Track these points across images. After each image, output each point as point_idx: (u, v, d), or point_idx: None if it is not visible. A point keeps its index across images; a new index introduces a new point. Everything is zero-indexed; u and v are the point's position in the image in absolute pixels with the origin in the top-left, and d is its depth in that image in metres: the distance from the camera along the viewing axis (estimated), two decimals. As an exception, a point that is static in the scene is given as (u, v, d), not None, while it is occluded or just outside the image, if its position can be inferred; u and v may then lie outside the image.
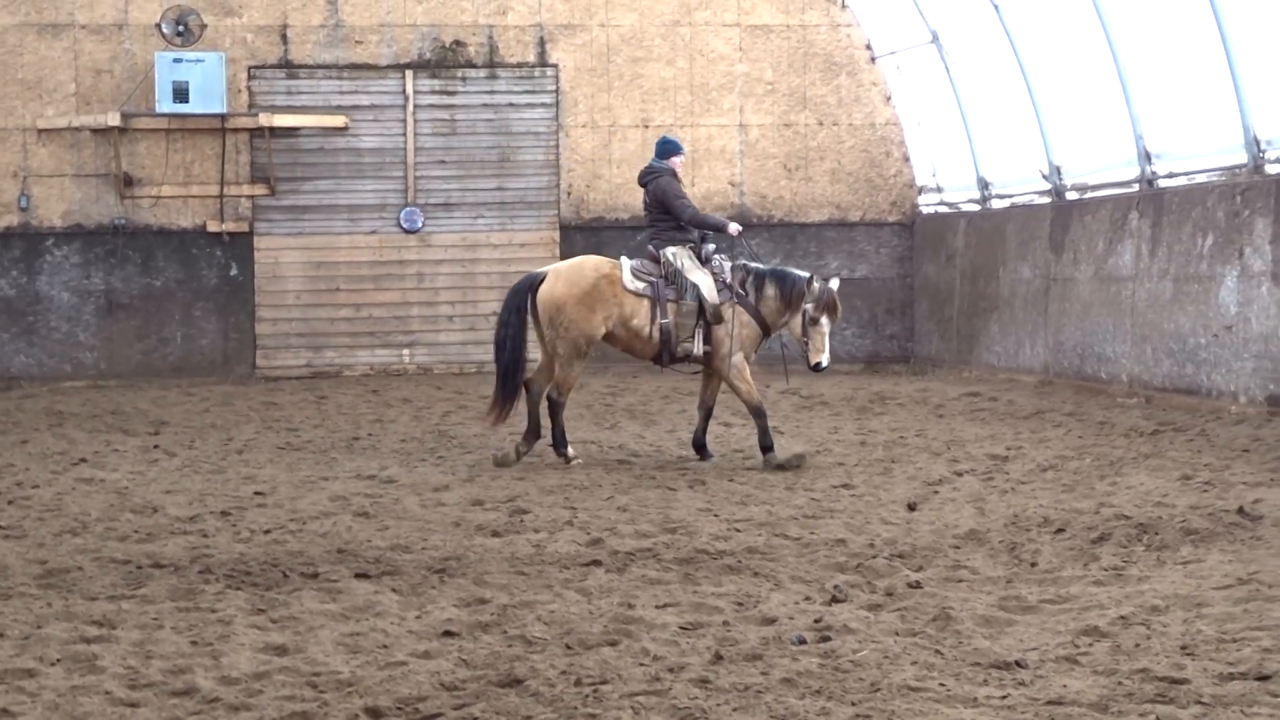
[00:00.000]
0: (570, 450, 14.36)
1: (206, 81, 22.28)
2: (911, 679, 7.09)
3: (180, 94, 22.21)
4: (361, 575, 9.52)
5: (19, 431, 17.17)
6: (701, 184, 23.83)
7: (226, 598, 8.94)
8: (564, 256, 23.43)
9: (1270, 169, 15.76)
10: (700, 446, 14.53)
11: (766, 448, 14.12)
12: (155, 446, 15.87)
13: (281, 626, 8.28)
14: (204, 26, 22.83)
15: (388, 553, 10.21)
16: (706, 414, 14.68)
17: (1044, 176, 20.22)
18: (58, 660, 7.61)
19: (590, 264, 14.63)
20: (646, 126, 23.69)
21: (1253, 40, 15.92)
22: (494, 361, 14.73)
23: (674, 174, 14.65)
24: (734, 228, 14.65)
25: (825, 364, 14.17)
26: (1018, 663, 7.31)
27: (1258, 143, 15.88)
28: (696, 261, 14.38)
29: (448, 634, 8.07)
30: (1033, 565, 9.63)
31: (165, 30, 22.70)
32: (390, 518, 11.65)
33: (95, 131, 22.66)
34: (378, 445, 15.94)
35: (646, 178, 14.70)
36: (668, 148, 14.78)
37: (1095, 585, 8.97)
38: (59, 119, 22.64)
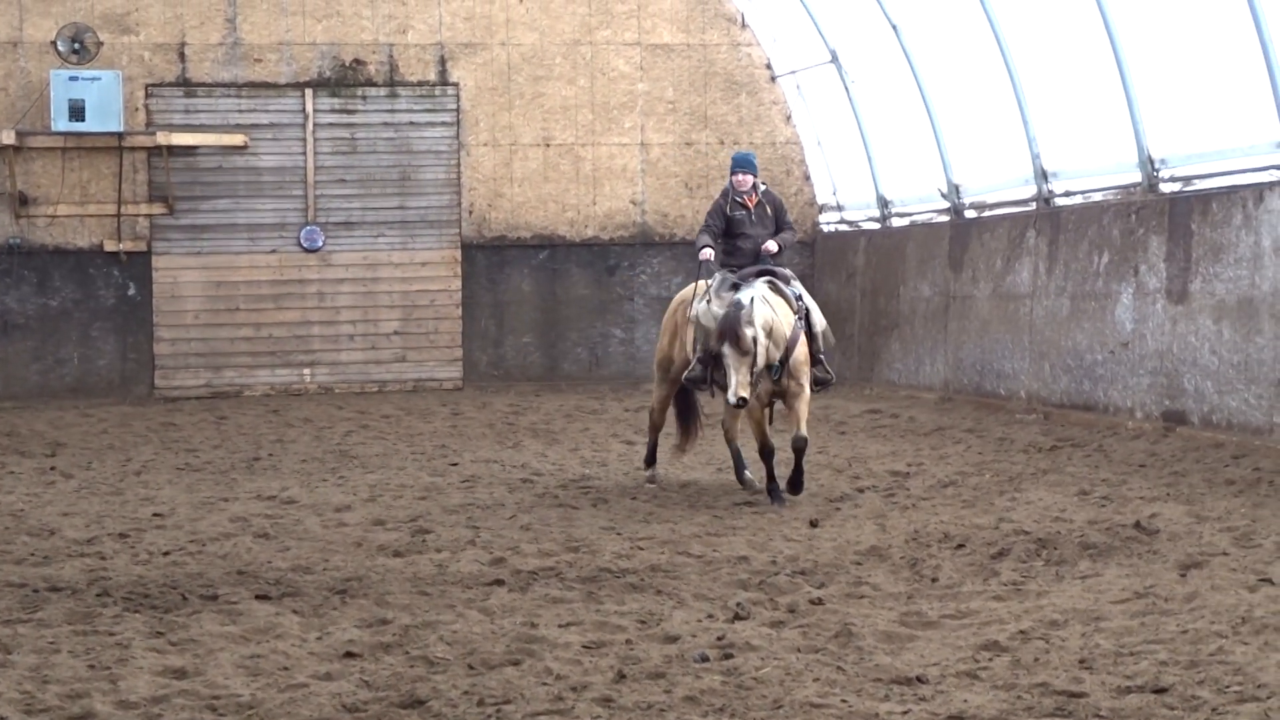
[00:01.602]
0: (655, 470, 14.29)
1: (103, 100, 22.05)
2: (814, 695, 7.12)
3: (76, 112, 21.96)
4: (262, 597, 9.45)
5: (-89, 454, 16.90)
6: (603, 202, 23.87)
7: (125, 621, 8.84)
8: (465, 276, 23.44)
9: (1164, 188, 15.99)
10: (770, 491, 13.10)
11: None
12: (52, 468, 15.67)
13: (181, 649, 8.20)
14: (100, 44, 22.60)
15: (289, 574, 10.14)
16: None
17: (943, 195, 20.40)
18: (-49, 686, 7.49)
19: (684, 291, 14.26)
20: (548, 145, 23.69)
21: (1147, 60, 16.14)
22: None
23: (722, 193, 13.88)
24: (702, 254, 13.47)
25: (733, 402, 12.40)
26: (919, 678, 7.37)
27: (1151, 162, 16.10)
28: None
29: (349, 655, 8.02)
30: (933, 581, 9.70)
31: (61, 48, 22.45)
32: (291, 539, 11.57)
33: (-10, 150, 22.37)
34: (278, 465, 15.82)
35: None
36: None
37: (995, 600, 9.05)
38: (-48, 137, 22.32)
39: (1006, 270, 18.69)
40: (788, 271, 13.41)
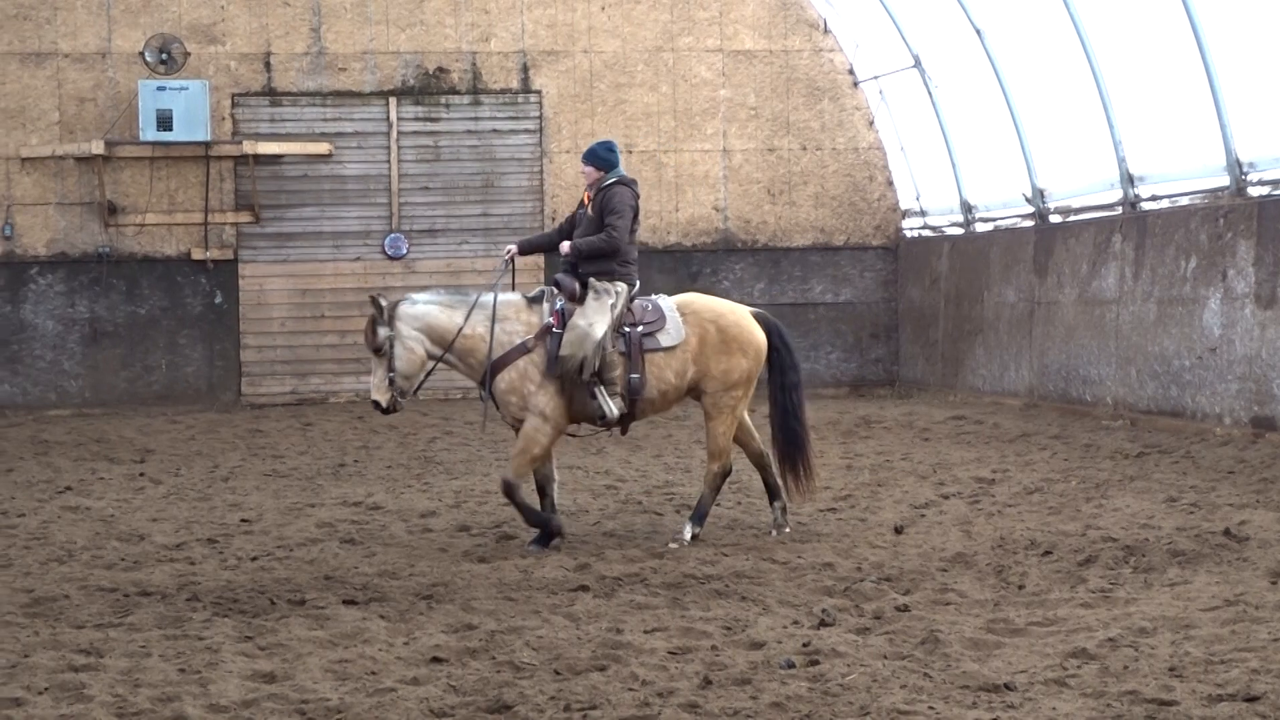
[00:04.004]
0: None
1: (190, 109, 22.29)
2: (901, 702, 7.09)
3: (164, 122, 22.21)
4: (349, 602, 9.51)
5: (4, 460, 17.13)
6: (686, 209, 23.88)
7: (214, 625, 8.93)
8: (547, 283, 23.46)
9: (1252, 191, 15.82)
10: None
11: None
12: (141, 474, 15.84)
13: (269, 654, 8.26)
14: (187, 54, 22.84)
15: (375, 579, 10.20)
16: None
17: (1027, 200, 20.27)
18: (45, 689, 7.59)
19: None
20: (630, 152, 23.72)
21: (1235, 62, 15.98)
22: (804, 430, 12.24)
23: None
24: (505, 249, 12.37)
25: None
26: (1006, 685, 7.32)
27: (1240, 165, 15.94)
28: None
29: (436, 660, 8.06)
30: (1020, 588, 9.64)
31: (149, 58, 22.70)
32: (377, 544, 11.64)
33: (79, 160, 22.66)
34: (364, 472, 15.92)
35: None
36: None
37: (1083, 607, 8.98)
38: (43, 148, 22.62)
39: (1092, 275, 18.55)
40: (604, 284, 11.54)
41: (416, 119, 23.49)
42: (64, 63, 22.72)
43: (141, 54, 22.73)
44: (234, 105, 23.12)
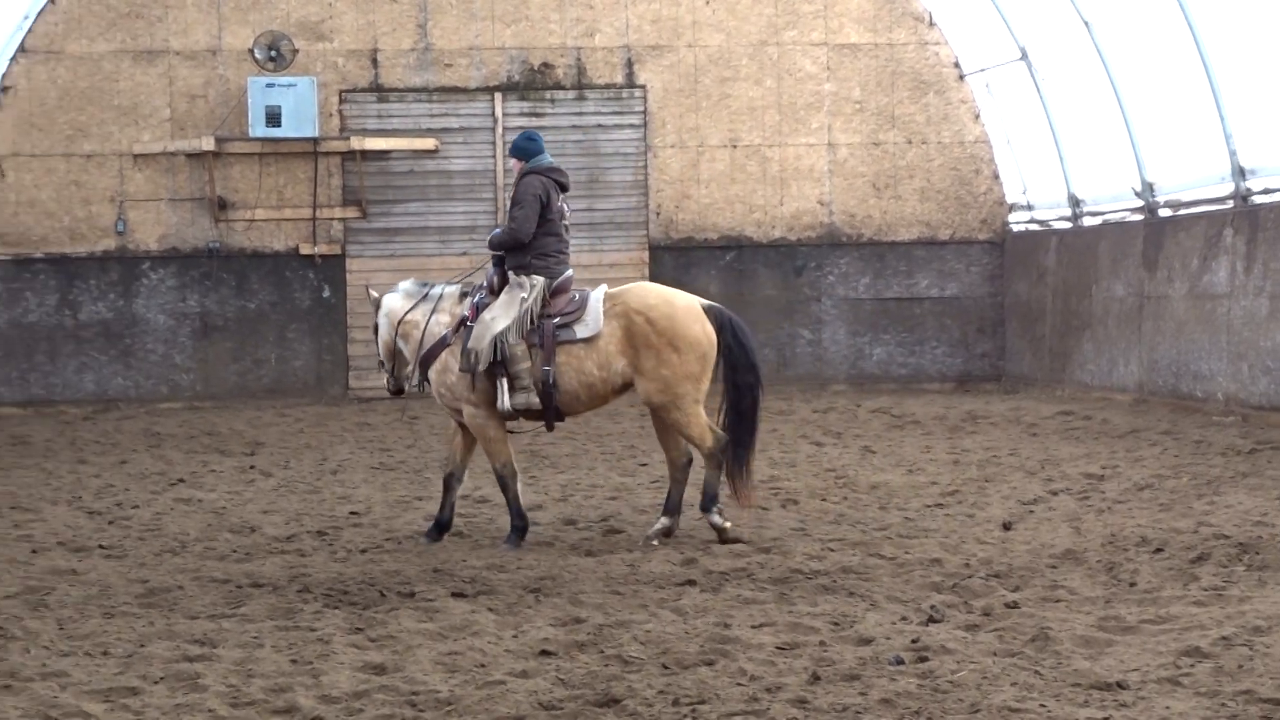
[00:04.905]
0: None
1: (299, 106, 22.51)
2: (1011, 700, 7.05)
3: (273, 118, 22.45)
4: (458, 594, 9.58)
5: (118, 452, 17.39)
6: (790, 203, 23.82)
7: (325, 617, 9.02)
8: (652, 277, 23.51)
9: (1368, 184, 15.58)
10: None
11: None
12: (251, 467, 16.03)
13: (380, 645, 8.34)
14: (296, 51, 23.06)
15: (483, 572, 10.26)
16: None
17: (1136, 193, 20.06)
18: (161, 679, 7.70)
19: None
20: (735, 146, 23.71)
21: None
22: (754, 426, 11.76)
23: None
24: None
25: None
26: (1119, 684, 7.25)
27: (1355, 158, 15.70)
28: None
29: (545, 653, 8.10)
30: (1131, 585, 9.54)
31: (258, 55, 22.94)
32: (485, 537, 11.72)
33: (190, 156, 22.94)
34: (470, 465, 15.98)
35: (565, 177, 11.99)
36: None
37: (1196, 605, 8.87)
38: (154, 144, 22.93)
39: (1203, 270, 18.33)
40: (521, 277, 11.52)
41: (521, 114, 23.57)
42: (175, 60, 23.01)
43: (251, 51, 22.97)
44: (341, 101, 23.32)
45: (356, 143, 23.04)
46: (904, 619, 8.73)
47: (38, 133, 22.81)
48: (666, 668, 7.76)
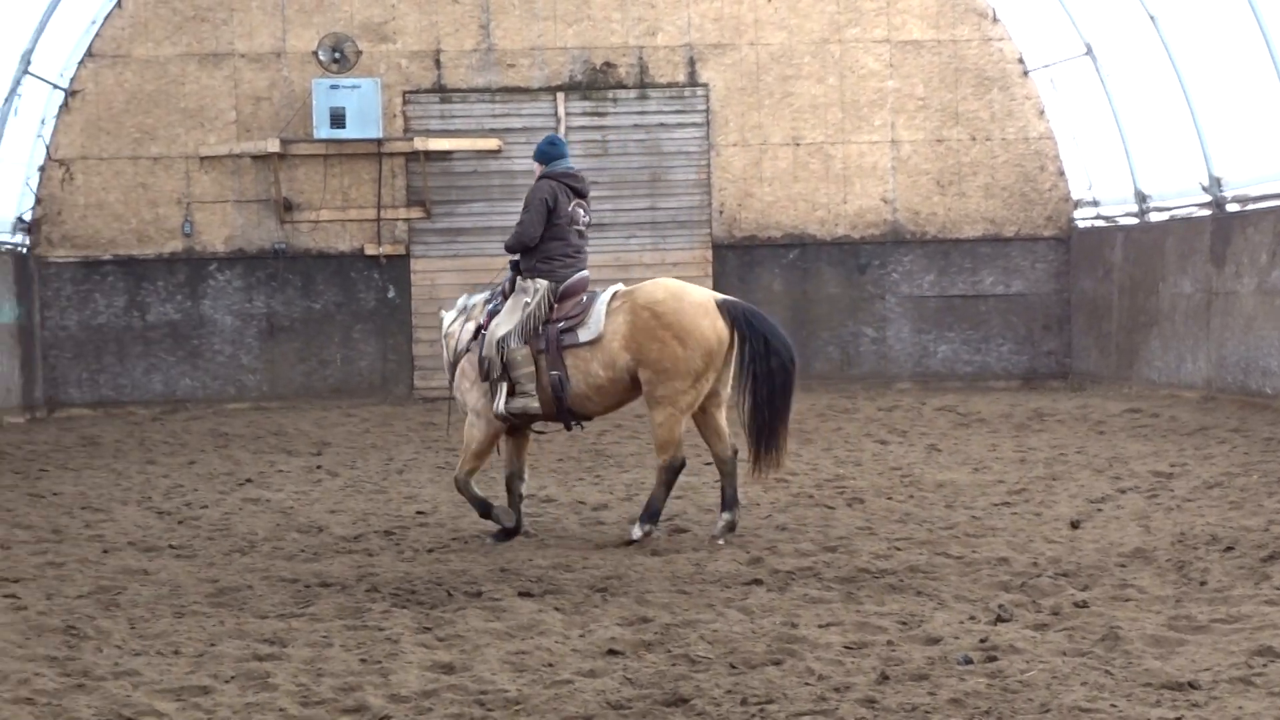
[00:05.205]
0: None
1: (363, 107, 22.62)
2: (1082, 700, 7.00)
3: (337, 120, 22.57)
4: (525, 594, 9.60)
5: (186, 453, 17.52)
6: (853, 201, 23.76)
7: (393, 616, 9.05)
8: (715, 276, 23.51)
9: None
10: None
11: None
12: (318, 467, 16.12)
13: (448, 645, 8.37)
14: (359, 53, 23.17)
15: (550, 571, 10.28)
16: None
17: (1204, 188, 19.90)
18: (232, 677, 7.75)
19: None
20: (797, 144, 23.67)
21: None
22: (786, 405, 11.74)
23: None
24: None
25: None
26: (1190, 684, 7.20)
27: None
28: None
29: (612, 653, 8.10)
30: (1202, 584, 9.46)
31: (322, 57, 23.06)
32: (551, 536, 11.74)
33: (255, 158, 23.10)
34: (535, 465, 16.02)
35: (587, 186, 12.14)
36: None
37: (1268, 604, 8.79)
38: (220, 146, 23.10)
39: (1272, 265, 18.16)
40: (526, 282, 11.66)
41: (584, 114, 23.62)
42: (240, 63, 23.17)
43: (315, 53, 23.10)
44: (405, 102, 23.42)
45: (420, 143, 23.14)
46: (972, 618, 8.69)
47: (105, 136, 23.01)
48: (734, 667, 7.76)
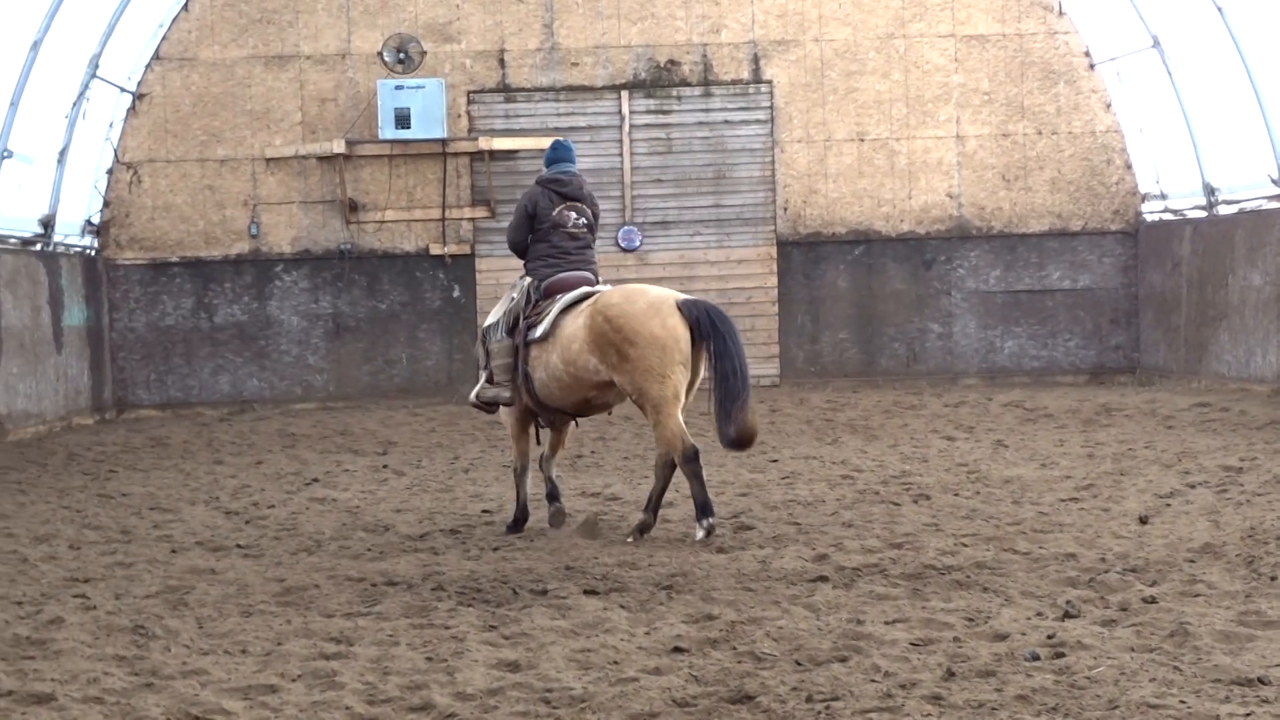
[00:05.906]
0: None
1: (427, 107, 22.71)
2: (1150, 696, 6.95)
3: (402, 120, 22.66)
4: (590, 592, 9.60)
5: (254, 453, 17.64)
6: (919, 196, 23.67)
7: (459, 614, 9.08)
8: (780, 273, 23.48)
9: None
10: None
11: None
12: (384, 466, 16.18)
13: (514, 643, 8.38)
14: (424, 53, 23.25)
15: (615, 569, 10.28)
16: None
17: (1272, 181, 19.71)
18: (298, 676, 7.79)
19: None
20: (862, 140, 23.59)
21: None
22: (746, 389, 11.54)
23: None
24: None
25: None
26: (1260, 679, 7.13)
27: None
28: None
29: (677, 650, 8.10)
30: (1272, 579, 9.37)
31: (387, 58, 23.16)
32: (615, 534, 11.73)
33: (321, 159, 23.23)
34: (601, 463, 16.06)
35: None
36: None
37: (1339, 600, 8.71)
38: (286, 148, 23.24)
39: (1343, 257, 17.97)
40: (519, 279, 12.43)
41: (648, 112, 23.62)
42: (306, 64, 23.30)
43: (380, 54, 23.20)
44: (469, 102, 23.49)
45: (485, 143, 23.20)
46: (1039, 614, 8.64)
47: (172, 139, 23.19)
48: (799, 664, 7.74)
